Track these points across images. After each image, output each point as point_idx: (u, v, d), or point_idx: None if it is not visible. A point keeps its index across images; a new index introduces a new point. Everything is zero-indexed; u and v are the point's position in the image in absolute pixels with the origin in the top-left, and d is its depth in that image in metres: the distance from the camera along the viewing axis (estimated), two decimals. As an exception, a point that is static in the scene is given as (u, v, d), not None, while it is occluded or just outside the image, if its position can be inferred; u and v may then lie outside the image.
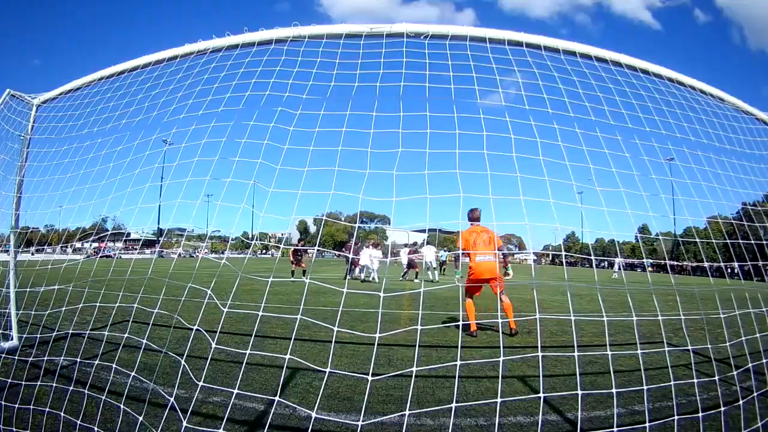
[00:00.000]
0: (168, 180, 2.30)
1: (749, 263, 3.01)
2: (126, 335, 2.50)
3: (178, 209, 2.29)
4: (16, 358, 2.97)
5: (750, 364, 2.78)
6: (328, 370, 2.13)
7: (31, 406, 2.19)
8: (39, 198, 3.22)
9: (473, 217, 5.29)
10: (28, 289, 3.36)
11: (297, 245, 14.99)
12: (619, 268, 21.68)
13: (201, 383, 2.02)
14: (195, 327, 2.05)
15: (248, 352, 2.29)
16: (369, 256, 13.56)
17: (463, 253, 5.38)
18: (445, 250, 18.51)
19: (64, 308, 2.89)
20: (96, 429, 2.02)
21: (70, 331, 3.64)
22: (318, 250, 3.07)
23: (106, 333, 3.36)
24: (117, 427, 2.15)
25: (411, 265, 14.58)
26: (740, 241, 2.84)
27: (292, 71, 2.30)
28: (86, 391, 2.29)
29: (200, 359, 3.41)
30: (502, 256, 5.29)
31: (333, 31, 2.33)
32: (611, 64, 2.50)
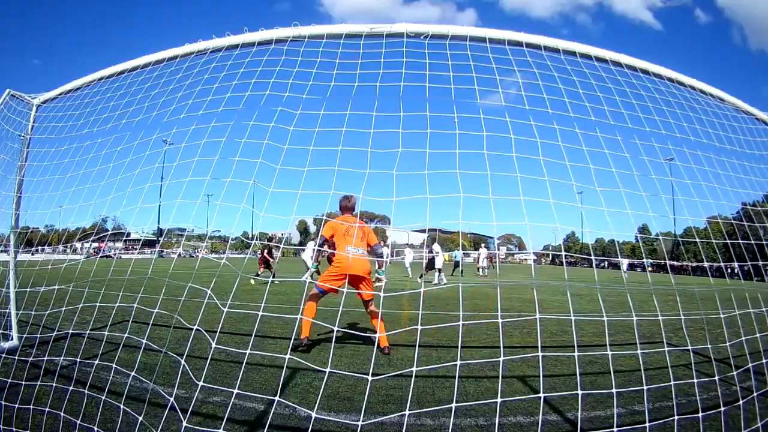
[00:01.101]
0: (168, 180, 2.30)
1: (749, 263, 3.01)
2: (126, 335, 2.50)
3: (178, 209, 2.29)
4: (16, 358, 2.97)
5: (750, 364, 2.78)
6: (328, 370, 2.13)
7: (31, 406, 2.19)
8: (39, 198, 3.22)
9: (348, 205, 4.36)
10: (28, 289, 3.36)
11: (270, 244, 13.70)
12: (628, 269, 21.77)
13: (201, 383, 2.02)
14: (195, 327, 2.05)
15: (248, 352, 2.29)
16: (312, 251, 12.15)
17: (321, 249, 4.33)
18: (456, 251, 17.90)
19: (64, 308, 2.89)
20: (96, 429, 2.02)
21: (70, 331, 3.64)
22: (319, 249, 3.07)
23: (106, 333, 3.36)
24: (117, 427, 2.15)
25: (431, 265, 13.83)
26: (740, 241, 2.84)
27: (292, 71, 2.31)
28: (86, 391, 2.29)
29: (200, 359, 3.40)
30: (375, 256, 4.47)
31: (333, 31, 2.33)
32: (611, 64, 2.50)
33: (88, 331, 3.76)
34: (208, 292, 2.10)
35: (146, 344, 2.44)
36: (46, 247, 3.99)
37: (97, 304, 2.92)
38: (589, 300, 8.94)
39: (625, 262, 22.74)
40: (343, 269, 4.08)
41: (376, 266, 4.75)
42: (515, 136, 2.03)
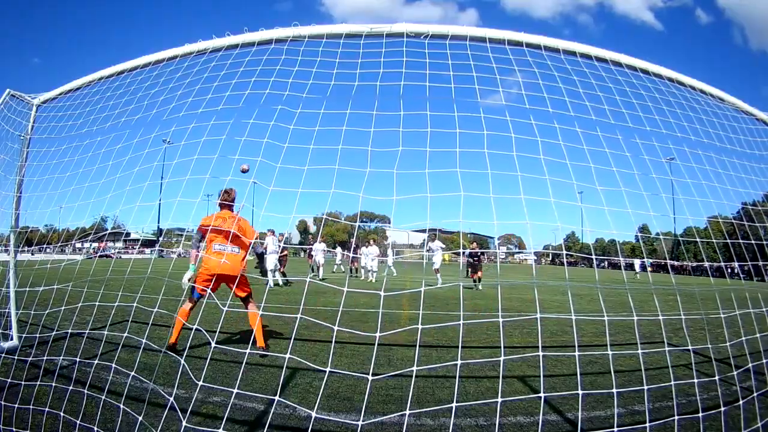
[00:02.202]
0: (167, 178, 2.29)
1: (749, 263, 3.01)
2: (126, 335, 2.49)
3: (177, 208, 2.29)
4: (16, 358, 2.97)
5: (750, 364, 2.78)
6: (328, 370, 2.12)
7: (31, 406, 2.19)
8: (39, 197, 3.22)
9: (227, 198, 4.05)
10: (27, 289, 3.36)
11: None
12: (641, 269, 21.84)
13: (201, 383, 2.01)
14: (195, 327, 2.04)
15: (248, 351, 2.29)
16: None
17: (205, 246, 3.93)
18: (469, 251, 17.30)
19: (63, 308, 2.88)
20: (96, 429, 2.02)
21: (70, 331, 3.63)
22: (324, 250, 3.05)
23: (106, 333, 3.35)
24: (117, 427, 2.15)
25: (474, 269, 12.92)
26: (740, 241, 2.84)
27: (292, 70, 2.31)
28: (86, 391, 2.28)
29: (200, 359, 3.40)
30: (255, 254, 4.09)
31: (333, 31, 2.33)
32: (611, 64, 2.50)
33: (87, 331, 3.75)
34: (208, 291, 2.10)
35: (146, 344, 2.43)
36: (46, 246, 3.97)
37: (97, 303, 2.92)
38: (589, 300, 8.94)
39: (637, 262, 22.95)
40: (211, 269, 3.70)
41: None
42: (516, 135, 2.03)
